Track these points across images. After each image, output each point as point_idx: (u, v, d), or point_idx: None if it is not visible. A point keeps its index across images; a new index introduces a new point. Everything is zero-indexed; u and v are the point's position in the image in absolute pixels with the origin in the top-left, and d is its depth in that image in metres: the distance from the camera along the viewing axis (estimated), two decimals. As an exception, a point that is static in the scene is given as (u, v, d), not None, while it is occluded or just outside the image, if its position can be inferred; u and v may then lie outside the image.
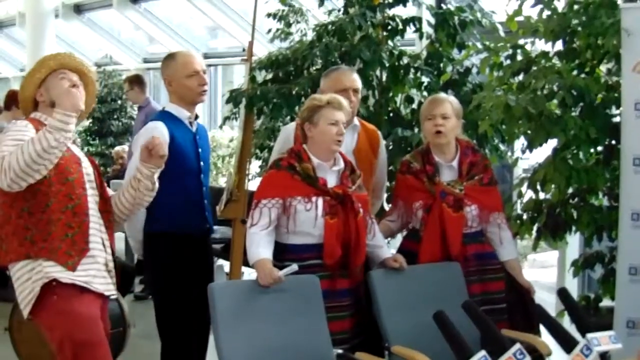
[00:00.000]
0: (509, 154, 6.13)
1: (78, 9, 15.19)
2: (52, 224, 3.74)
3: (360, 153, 4.79)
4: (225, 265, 7.48)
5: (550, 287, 7.23)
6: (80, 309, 3.76)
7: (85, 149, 10.82)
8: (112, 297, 4.08)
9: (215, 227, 8.40)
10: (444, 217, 4.46)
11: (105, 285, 3.93)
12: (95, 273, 3.85)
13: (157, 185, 4.09)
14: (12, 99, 8.65)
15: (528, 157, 5.15)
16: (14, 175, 3.54)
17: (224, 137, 12.26)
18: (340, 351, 4.01)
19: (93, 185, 3.96)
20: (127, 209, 4.13)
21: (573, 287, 6.70)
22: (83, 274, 3.79)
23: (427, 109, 4.60)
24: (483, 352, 3.07)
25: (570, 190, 4.75)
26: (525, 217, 4.87)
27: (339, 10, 6.45)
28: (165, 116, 4.62)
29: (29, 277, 3.74)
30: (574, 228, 4.80)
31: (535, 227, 4.87)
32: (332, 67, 5.12)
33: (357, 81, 4.80)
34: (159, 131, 4.45)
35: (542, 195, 4.80)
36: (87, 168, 3.96)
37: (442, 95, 4.77)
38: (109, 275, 3.97)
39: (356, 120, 4.85)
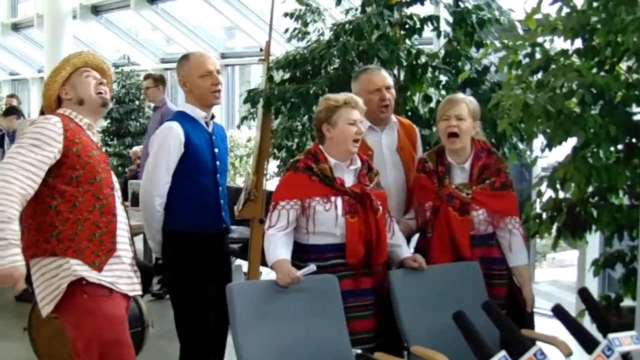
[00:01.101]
0: (528, 152, 6.10)
1: (96, 10, 15.24)
2: (80, 224, 3.75)
3: (404, 151, 4.85)
4: (244, 265, 7.49)
5: (570, 287, 7.19)
6: (110, 309, 3.78)
7: (104, 149, 10.82)
8: (137, 295, 4.10)
9: (233, 227, 8.44)
10: (450, 220, 4.44)
11: (131, 285, 3.95)
12: (120, 274, 3.87)
13: None
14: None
15: (547, 155, 5.12)
16: None
17: (242, 137, 12.26)
18: (359, 351, 4.01)
19: (118, 186, 3.98)
20: None
21: (593, 286, 6.66)
22: (109, 275, 3.81)
23: (442, 108, 4.58)
24: (503, 353, 3.05)
25: (590, 189, 4.71)
26: (544, 216, 4.82)
27: (356, 10, 6.43)
28: (181, 116, 4.62)
29: (55, 273, 3.74)
30: (594, 227, 4.75)
31: (554, 226, 4.82)
32: (359, 69, 5.12)
33: (387, 78, 4.85)
34: (175, 131, 4.47)
35: (561, 194, 4.75)
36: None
37: (459, 95, 4.74)
38: (135, 275, 3.99)
39: (393, 118, 4.87)
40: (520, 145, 5.89)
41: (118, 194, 3.96)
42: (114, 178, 3.97)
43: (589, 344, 3.26)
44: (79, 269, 3.72)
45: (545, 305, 5.51)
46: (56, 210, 3.73)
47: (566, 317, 3.52)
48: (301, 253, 4.20)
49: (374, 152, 4.68)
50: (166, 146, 4.48)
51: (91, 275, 3.74)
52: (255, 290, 4.07)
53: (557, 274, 9.48)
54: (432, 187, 4.55)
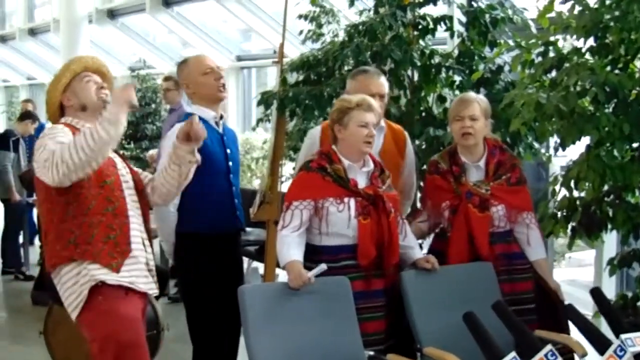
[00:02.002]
0: (543, 151, 6.08)
1: (111, 14, 15.29)
2: (94, 227, 3.78)
3: (387, 154, 4.77)
4: (260, 267, 7.50)
5: (588, 286, 7.14)
6: (125, 310, 3.81)
7: (121, 152, 10.88)
8: (154, 294, 4.13)
9: (249, 229, 8.47)
10: (470, 217, 4.44)
11: (148, 284, 3.98)
12: (138, 273, 3.90)
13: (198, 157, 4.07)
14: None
15: (565, 154, 5.09)
16: (66, 169, 3.57)
17: (258, 139, 12.28)
18: (371, 353, 4.00)
19: (130, 185, 3.99)
20: (174, 186, 4.11)
21: (611, 285, 6.62)
22: (127, 275, 3.83)
23: (455, 109, 4.57)
24: (513, 354, 3.04)
25: (605, 188, 4.68)
26: (559, 215, 4.80)
27: (369, 10, 6.43)
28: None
29: (76, 280, 3.78)
30: (609, 226, 4.73)
31: (570, 226, 4.80)
32: (358, 68, 5.08)
33: (383, 86, 4.76)
34: None
35: (577, 193, 4.73)
36: (121, 170, 3.99)
37: (471, 95, 4.73)
38: (150, 274, 4.01)
39: (382, 122, 4.83)
40: (536, 144, 5.87)
41: (131, 195, 3.97)
42: (128, 178, 3.98)
43: (601, 345, 3.24)
44: (97, 272, 3.75)
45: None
46: (73, 215, 3.76)
47: (578, 317, 3.50)
48: (313, 254, 4.19)
49: None
50: None
51: (110, 277, 3.77)
52: (266, 292, 4.08)
53: (575, 274, 9.44)
54: (448, 187, 4.55)
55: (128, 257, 3.85)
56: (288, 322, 3.93)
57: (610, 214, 4.71)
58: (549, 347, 3.08)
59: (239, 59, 13.87)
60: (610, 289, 6.42)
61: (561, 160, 5.83)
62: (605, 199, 4.71)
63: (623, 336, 3.23)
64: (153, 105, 12.89)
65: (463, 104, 4.55)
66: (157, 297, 4.93)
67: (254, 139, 12.32)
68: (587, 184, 4.45)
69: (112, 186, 3.85)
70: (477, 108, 4.50)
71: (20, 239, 10.18)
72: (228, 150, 4.67)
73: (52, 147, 3.64)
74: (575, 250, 9.95)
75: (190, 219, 4.53)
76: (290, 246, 4.13)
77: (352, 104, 4.25)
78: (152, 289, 4.01)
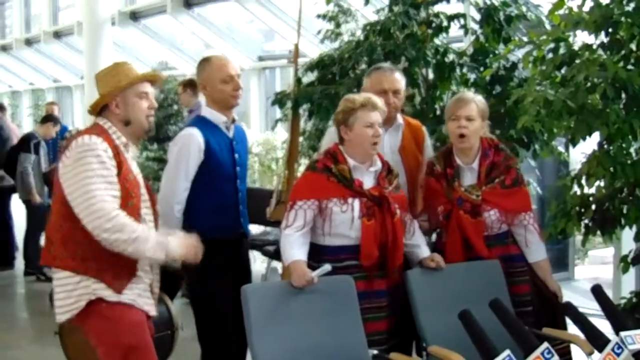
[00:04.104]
0: (560, 148, 6.05)
1: (134, 16, 15.38)
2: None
3: (406, 151, 4.77)
4: (279, 266, 7.52)
5: (610, 284, 7.09)
6: (129, 315, 3.76)
7: (145, 154, 10.95)
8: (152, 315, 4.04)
9: (269, 229, 8.50)
10: (463, 224, 4.41)
11: (148, 305, 3.90)
12: (140, 292, 3.84)
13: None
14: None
15: (584, 152, 5.06)
16: (107, 241, 3.60)
17: (277, 139, 12.30)
18: (375, 352, 4.00)
19: (147, 204, 3.91)
20: None
21: (631, 283, 6.58)
22: (129, 293, 3.78)
23: (451, 108, 4.52)
24: (507, 352, 3.04)
25: (618, 184, 4.65)
26: (572, 212, 4.77)
27: (383, 9, 6.43)
28: (200, 122, 4.62)
29: (74, 287, 3.72)
30: (623, 223, 4.69)
31: (583, 223, 4.76)
32: (374, 65, 5.08)
33: (397, 82, 4.73)
34: (195, 138, 4.46)
35: (589, 190, 4.70)
36: (142, 188, 3.90)
37: (468, 94, 4.69)
38: (152, 296, 3.95)
39: (400, 119, 4.82)
40: (553, 142, 5.84)
41: (147, 215, 3.89)
42: (146, 197, 3.90)
43: (599, 342, 3.22)
44: (99, 289, 3.70)
45: (583, 302, 5.46)
46: (83, 229, 3.63)
47: (576, 315, 3.48)
48: (316, 254, 4.19)
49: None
50: (185, 153, 4.47)
51: (110, 295, 3.71)
52: (269, 291, 4.09)
53: (597, 271, 9.38)
54: (441, 191, 4.51)
55: (133, 278, 3.79)
56: (291, 321, 3.93)
57: (625, 210, 4.68)
58: (545, 345, 3.07)
59: (261, 59, 13.90)
60: (629, 286, 6.38)
61: (582, 157, 5.81)
62: (619, 195, 4.68)
63: (623, 334, 3.21)
64: (175, 107, 12.92)
65: (460, 103, 4.50)
66: (171, 297, 4.94)
67: (274, 138, 12.34)
68: (598, 181, 4.41)
69: (133, 207, 3.76)
70: (474, 108, 4.45)
71: (42, 241, 10.24)
72: (236, 155, 4.65)
73: (104, 199, 3.57)
74: (598, 248, 9.93)
75: (195, 223, 4.47)
76: (293, 246, 4.13)
77: (356, 105, 4.22)
78: (151, 310, 3.92)
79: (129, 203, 3.73)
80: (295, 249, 4.12)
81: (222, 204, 4.60)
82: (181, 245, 3.80)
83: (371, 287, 4.20)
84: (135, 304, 3.80)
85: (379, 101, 4.28)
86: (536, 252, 4.56)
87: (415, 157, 4.82)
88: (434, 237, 4.83)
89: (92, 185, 3.59)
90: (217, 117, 4.60)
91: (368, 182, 4.25)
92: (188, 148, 4.47)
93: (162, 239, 3.73)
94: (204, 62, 4.68)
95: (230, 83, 4.57)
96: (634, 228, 4.69)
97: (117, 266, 3.72)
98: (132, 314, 3.79)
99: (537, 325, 4.31)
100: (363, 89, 4.75)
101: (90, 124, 3.93)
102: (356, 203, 4.16)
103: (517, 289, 4.47)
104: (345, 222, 4.15)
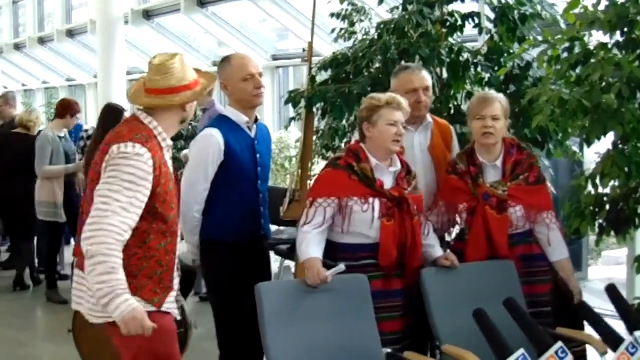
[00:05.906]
0: (574, 148, 6.02)
1: (147, 15, 15.38)
2: (145, 260, 3.61)
3: (436, 150, 4.81)
4: (292, 265, 7.50)
5: (623, 285, 7.06)
6: (162, 323, 3.65)
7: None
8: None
9: (282, 228, 8.47)
10: (488, 219, 4.41)
11: (176, 310, 3.85)
12: (173, 300, 3.79)
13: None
14: (65, 108, 8.79)
15: (598, 151, 5.04)
16: (85, 253, 3.41)
17: (291, 138, 12.29)
18: (389, 351, 4.00)
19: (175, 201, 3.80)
20: None
21: (645, 284, 6.55)
22: (164, 306, 3.72)
23: (476, 108, 4.53)
24: (522, 351, 3.03)
25: (633, 185, 4.63)
26: (586, 212, 4.75)
27: (397, 8, 6.41)
28: (222, 122, 4.59)
29: None
30: (637, 223, 4.67)
31: (597, 223, 4.74)
32: (400, 66, 5.11)
33: (426, 79, 4.80)
34: (215, 139, 4.43)
35: (603, 190, 4.68)
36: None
37: (492, 94, 4.71)
38: (177, 298, 3.91)
39: (429, 118, 4.84)
40: (567, 142, 5.82)
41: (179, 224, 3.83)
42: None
43: (614, 342, 3.22)
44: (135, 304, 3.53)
45: (597, 303, 5.43)
46: (125, 244, 3.50)
47: (591, 315, 3.48)
48: (333, 252, 4.19)
49: (405, 151, 4.66)
50: (205, 155, 4.45)
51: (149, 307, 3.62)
52: (283, 290, 4.10)
53: (612, 272, 9.33)
54: (466, 188, 4.52)
55: (170, 293, 3.74)
56: (305, 319, 3.93)
57: (639, 210, 4.66)
58: (559, 344, 3.07)
59: (274, 58, 13.89)
60: (644, 288, 6.36)
61: (596, 157, 5.78)
62: (633, 195, 4.66)
63: (637, 333, 3.21)
64: (188, 106, 12.94)
65: (485, 102, 4.52)
66: (184, 296, 4.95)
67: (288, 137, 12.34)
68: (613, 181, 4.39)
69: (172, 221, 3.69)
70: (499, 108, 4.48)
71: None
72: (258, 156, 4.62)
73: (118, 220, 3.42)
74: (612, 248, 9.88)
75: (215, 226, 4.50)
76: (310, 243, 4.13)
77: (381, 102, 4.24)
78: (176, 313, 3.85)
79: (170, 216, 3.65)
80: (312, 246, 4.12)
81: (243, 206, 4.58)
82: (129, 315, 3.43)
83: (389, 286, 4.22)
84: (171, 312, 3.77)
85: (403, 101, 4.30)
86: (559, 251, 4.56)
87: (445, 156, 4.86)
88: (447, 236, 4.82)
89: (115, 202, 3.44)
90: (239, 117, 4.57)
91: (388, 182, 4.27)
92: (207, 150, 4.45)
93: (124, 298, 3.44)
94: (225, 62, 4.65)
95: (252, 81, 4.54)
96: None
97: (155, 282, 3.65)
98: (165, 321, 3.71)
99: (555, 325, 4.29)
100: (392, 90, 4.72)
101: (134, 121, 3.73)
102: (377, 203, 4.17)
103: (538, 289, 4.48)
104: (366, 221, 4.16)
